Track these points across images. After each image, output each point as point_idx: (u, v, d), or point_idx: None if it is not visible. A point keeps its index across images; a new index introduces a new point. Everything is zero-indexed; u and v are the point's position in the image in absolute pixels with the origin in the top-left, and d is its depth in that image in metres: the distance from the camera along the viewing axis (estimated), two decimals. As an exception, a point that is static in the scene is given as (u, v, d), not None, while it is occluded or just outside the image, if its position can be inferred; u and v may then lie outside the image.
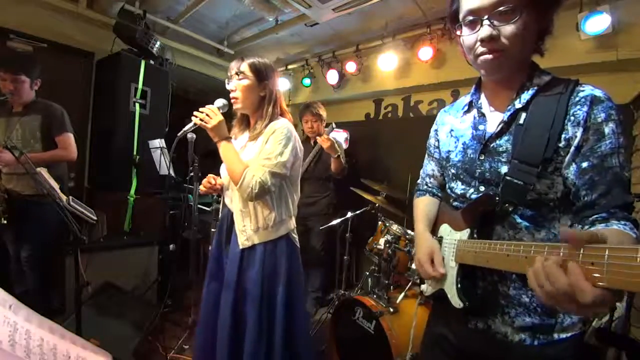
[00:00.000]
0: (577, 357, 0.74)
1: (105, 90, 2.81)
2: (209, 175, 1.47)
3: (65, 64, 2.81)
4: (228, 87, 1.36)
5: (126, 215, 2.65)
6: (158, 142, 2.53)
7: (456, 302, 0.78)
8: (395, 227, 2.16)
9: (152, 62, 2.81)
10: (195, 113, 1.30)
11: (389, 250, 2.08)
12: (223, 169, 1.46)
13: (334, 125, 2.71)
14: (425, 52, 2.77)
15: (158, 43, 2.78)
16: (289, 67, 3.91)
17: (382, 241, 2.15)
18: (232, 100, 1.35)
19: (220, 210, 1.52)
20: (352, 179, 2.82)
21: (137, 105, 2.68)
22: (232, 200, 1.38)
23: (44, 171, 1.51)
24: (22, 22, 2.52)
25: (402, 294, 1.91)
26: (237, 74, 1.33)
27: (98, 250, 2.25)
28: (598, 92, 0.69)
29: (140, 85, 2.68)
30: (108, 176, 2.69)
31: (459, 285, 0.78)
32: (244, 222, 1.34)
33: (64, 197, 1.44)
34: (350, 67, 3.30)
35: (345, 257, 2.61)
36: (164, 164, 2.55)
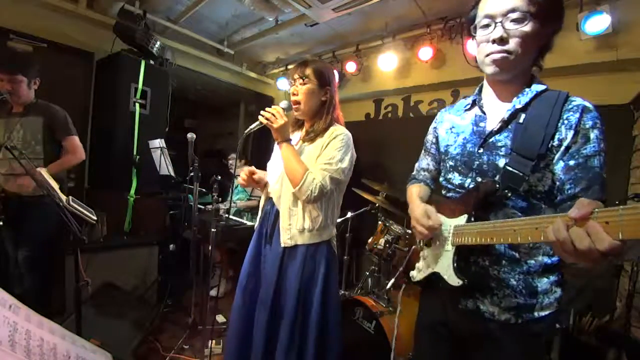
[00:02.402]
0: (551, 331, 0.87)
1: (105, 90, 2.81)
2: (249, 168, 1.46)
3: (65, 64, 2.81)
4: (290, 90, 1.37)
5: (126, 215, 2.64)
6: (158, 142, 2.53)
7: (454, 281, 0.83)
8: (395, 227, 2.15)
9: (152, 62, 2.81)
10: (262, 112, 1.29)
11: (389, 250, 2.08)
12: (271, 165, 1.46)
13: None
14: (425, 52, 2.77)
15: (158, 43, 2.78)
16: (289, 67, 3.91)
17: (382, 241, 2.15)
18: (294, 105, 1.35)
19: (261, 208, 1.50)
20: (352, 179, 2.81)
21: (137, 105, 2.68)
22: (281, 198, 1.36)
23: (43, 171, 1.51)
24: (22, 22, 2.52)
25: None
26: (300, 77, 1.34)
27: (98, 250, 2.25)
28: (588, 103, 0.81)
29: (140, 85, 2.68)
30: (108, 176, 2.69)
31: (455, 265, 0.84)
32: (290, 221, 1.32)
33: (63, 197, 1.44)
34: (350, 67, 3.30)
35: (345, 257, 2.61)
36: (164, 164, 2.55)
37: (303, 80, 1.33)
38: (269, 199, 1.46)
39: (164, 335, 2.21)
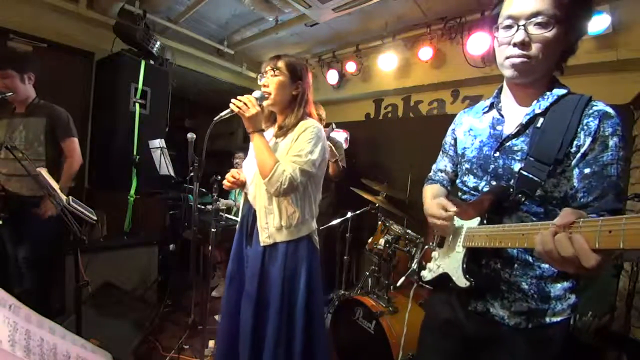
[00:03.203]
0: (563, 339, 0.83)
1: (105, 90, 2.81)
2: (232, 170, 1.46)
3: (65, 64, 2.81)
4: (260, 82, 1.36)
5: (126, 215, 2.64)
6: (158, 142, 2.53)
7: (462, 282, 0.84)
8: (395, 227, 2.15)
9: (152, 62, 2.81)
10: (233, 101, 1.28)
11: (389, 250, 2.08)
12: (247, 165, 1.44)
13: (334, 126, 2.70)
14: (425, 52, 2.77)
15: (158, 43, 2.78)
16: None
17: (382, 241, 2.15)
18: (265, 95, 1.34)
19: (241, 208, 1.49)
20: (352, 179, 2.81)
21: (137, 105, 2.68)
22: (256, 197, 1.36)
23: (44, 171, 1.51)
24: (22, 22, 2.52)
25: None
26: (272, 69, 1.33)
27: (98, 250, 2.25)
28: (609, 109, 0.78)
29: (140, 85, 2.68)
30: (108, 176, 2.69)
31: (465, 266, 0.84)
32: (266, 220, 1.32)
33: (63, 197, 1.44)
34: (350, 67, 3.30)
35: (345, 257, 2.61)
36: (164, 164, 2.55)
37: (274, 72, 1.33)
38: (247, 200, 1.45)
39: (164, 335, 2.21)
